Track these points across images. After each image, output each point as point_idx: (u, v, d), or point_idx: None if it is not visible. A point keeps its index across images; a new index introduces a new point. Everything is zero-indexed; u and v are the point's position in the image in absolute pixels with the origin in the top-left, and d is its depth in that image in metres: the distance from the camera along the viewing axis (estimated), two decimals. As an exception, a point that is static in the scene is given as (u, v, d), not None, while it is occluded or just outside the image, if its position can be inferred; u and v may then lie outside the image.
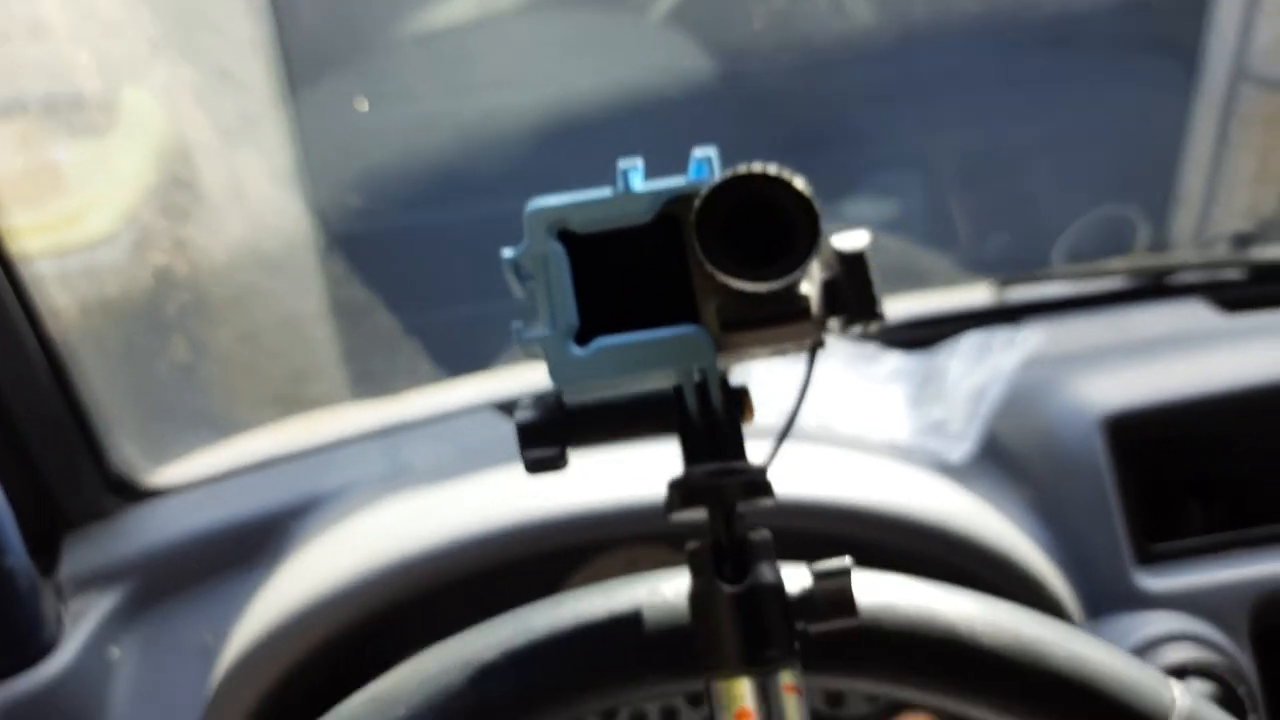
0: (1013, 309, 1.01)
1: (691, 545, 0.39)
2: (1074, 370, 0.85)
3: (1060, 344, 0.93)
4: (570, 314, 0.38)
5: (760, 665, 0.37)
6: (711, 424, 0.40)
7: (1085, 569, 0.74)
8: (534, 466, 0.39)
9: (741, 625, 0.37)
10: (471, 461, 0.87)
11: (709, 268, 0.36)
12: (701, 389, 0.40)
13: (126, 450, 0.86)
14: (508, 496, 0.71)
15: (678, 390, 0.40)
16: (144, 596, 0.80)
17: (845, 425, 0.89)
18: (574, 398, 0.40)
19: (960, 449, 0.85)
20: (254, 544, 0.82)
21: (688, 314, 0.38)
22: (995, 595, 0.66)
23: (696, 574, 0.38)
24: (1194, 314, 0.99)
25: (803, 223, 0.36)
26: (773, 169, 0.36)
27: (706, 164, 0.39)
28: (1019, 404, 0.85)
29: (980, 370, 0.90)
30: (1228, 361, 0.84)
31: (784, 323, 0.38)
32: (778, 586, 0.38)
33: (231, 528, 0.84)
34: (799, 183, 0.36)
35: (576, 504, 0.68)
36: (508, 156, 1.55)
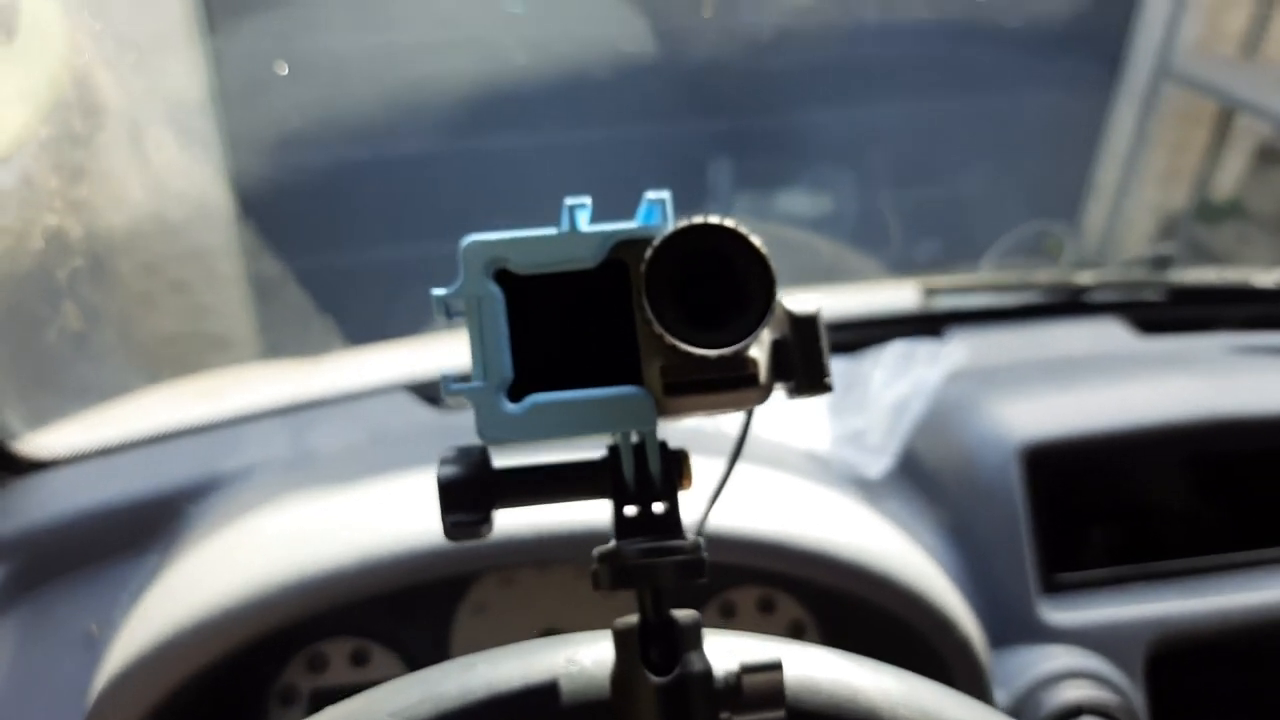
0: (936, 316, 1.02)
1: (619, 624, 0.37)
2: (994, 391, 0.86)
3: (982, 358, 0.93)
4: (504, 366, 0.35)
5: None
6: (647, 494, 0.38)
7: (991, 597, 0.75)
8: (455, 533, 0.37)
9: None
10: (382, 450, 0.84)
11: (656, 327, 0.34)
12: (639, 453, 0.38)
13: (7, 418, 0.81)
14: (420, 508, 0.68)
15: (613, 452, 0.38)
16: (22, 579, 0.75)
17: (766, 430, 0.89)
18: (501, 453, 0.38)
19: (879, 464, 0.85)
20: (146, 527, 0.78)
21: (629, 372, 0.36)
22: (907, 634, 0.67)
23: (622, 655, 0.37)
24: (1112, 333, 1.01)
25: (757, 283, 0.34)
26: (729, 222, 0.34)
27: (659, 208, 0.37)
28: (939, 422, 0.85)
29: (903, 382, 0.90)
30: (1143, 391, 0.85)
31: (731, 389, 0.36)
32: (706, 678, 0.36)
33: (122, 507, 0.79)
34: (755, 240, 0.34)
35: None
36: (433, 116, 1.50)
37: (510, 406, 0.35)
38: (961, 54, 1.78)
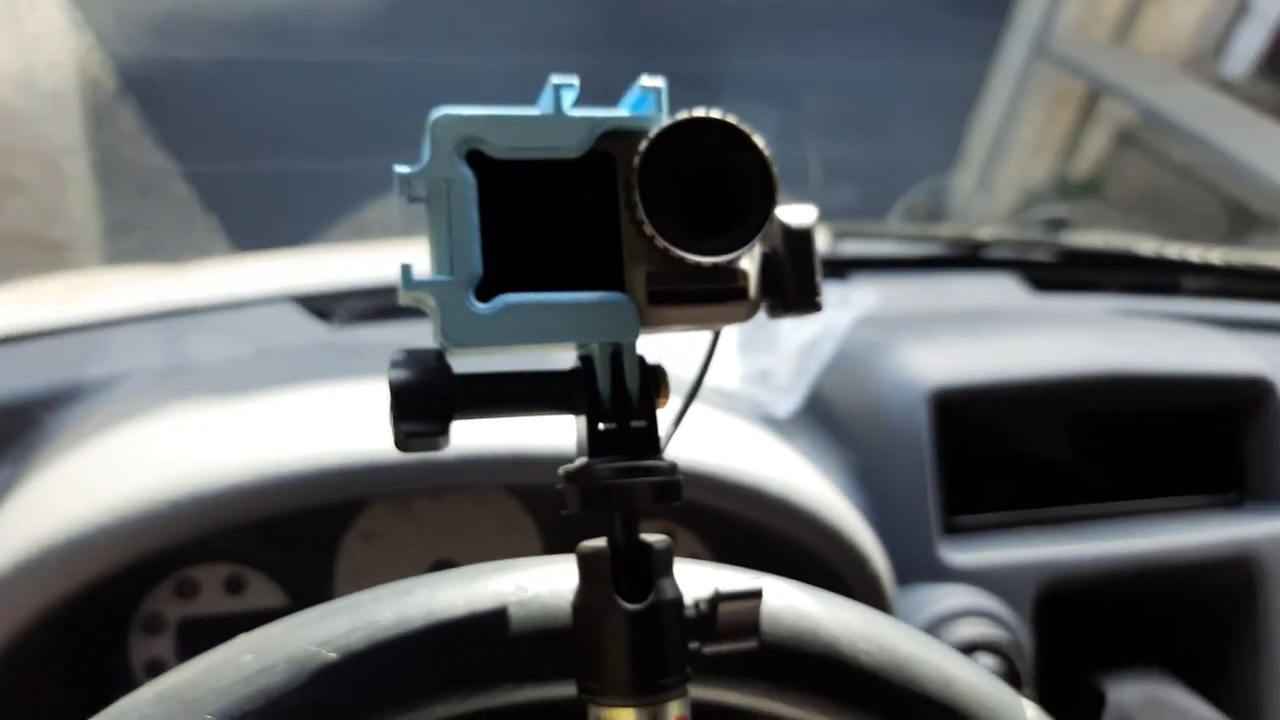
0: (841, 261, 1.02)
1: (585, 548, 0.34)
2: (902, 338, 0.86)
3: (888, 305, 0.94)
4: (473, 260, 0.31)
5: (652, 695, 0.33)
6: (623, 410, 0.35)
7: (894, 537, 0.76)
8: (410, 444, 0.32)
9: (636, 650, 0.33)
10: (266, 363, 0.78)
11: (647, 228, 0.31)
12: (615, 365, 0.34)
13: None
14: (308, 426, 0.63)
15: (586, 363, 0.35)
16: None
17: (673, 365, 0.86)
18: (460, 359, 0.34)
19: (787, 403, 0.84)
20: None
21: (610, 277, 0.33)
22: (810, 568, 0.66)
23: (589, 581, 0.34)
24: (1007, 289, 1.03)
25: (759, 188, 0.32)
26: (733, 118, 0.32)
27: (653, 97, 0.33)
28: (848, 365, 0.85)
29: (812, 325, 0.89)
30: (1041, 345, 0.87)
31: (719, 301, 0.33)
32: (678, 606, 0.34)
33: (-31, 412, 0.71)
34: (759, 139, 0.32)
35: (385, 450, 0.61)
36: (338, 19, 1.39)
37: (479, 306, 0.31)
38: (895, 9, 1.79)
